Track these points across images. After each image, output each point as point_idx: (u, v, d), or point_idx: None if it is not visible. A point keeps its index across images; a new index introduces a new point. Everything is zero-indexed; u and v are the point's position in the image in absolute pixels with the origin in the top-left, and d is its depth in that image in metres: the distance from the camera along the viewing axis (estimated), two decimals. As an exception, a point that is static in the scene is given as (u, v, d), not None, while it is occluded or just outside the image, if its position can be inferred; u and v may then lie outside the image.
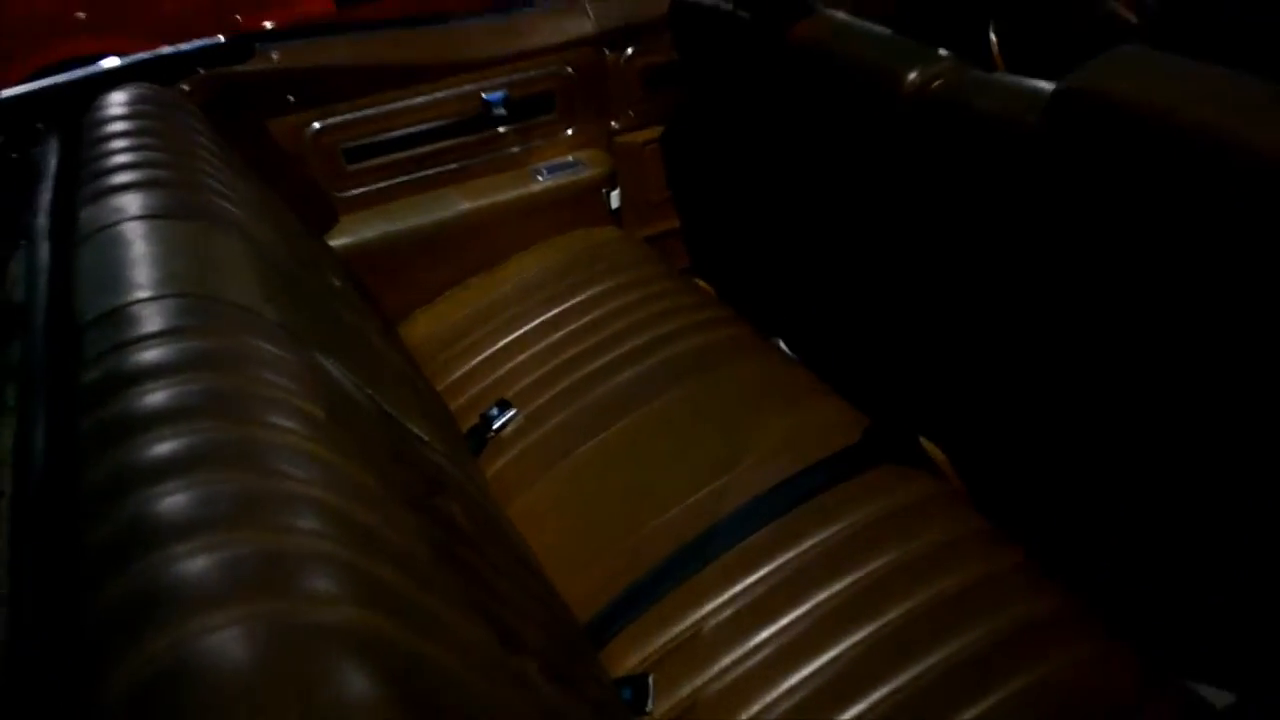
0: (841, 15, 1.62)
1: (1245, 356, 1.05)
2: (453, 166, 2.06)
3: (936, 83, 1.38)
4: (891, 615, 1.19)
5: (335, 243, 1.92)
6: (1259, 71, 1.04)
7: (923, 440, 1.48)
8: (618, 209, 2.22)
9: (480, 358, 1.78)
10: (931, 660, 1.13)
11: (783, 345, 1.98)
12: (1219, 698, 1.18)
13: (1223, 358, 1.08)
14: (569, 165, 2.14)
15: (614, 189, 2.20)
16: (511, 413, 1.62)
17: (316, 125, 1.90)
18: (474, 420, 1.63)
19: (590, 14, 2.11)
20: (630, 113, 2.22)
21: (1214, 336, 1.08)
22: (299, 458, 0.68)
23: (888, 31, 1.54)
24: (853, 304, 1.75)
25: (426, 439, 1.13)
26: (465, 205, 2.03)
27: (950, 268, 1.45)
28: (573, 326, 1.78)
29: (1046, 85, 1.24)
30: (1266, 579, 1.15)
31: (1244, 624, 1.21)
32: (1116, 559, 1.31)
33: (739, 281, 2.13)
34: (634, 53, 2.16)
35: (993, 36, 2.21)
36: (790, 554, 1.28)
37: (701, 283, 2.18)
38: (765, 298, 2.00)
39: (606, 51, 2.13)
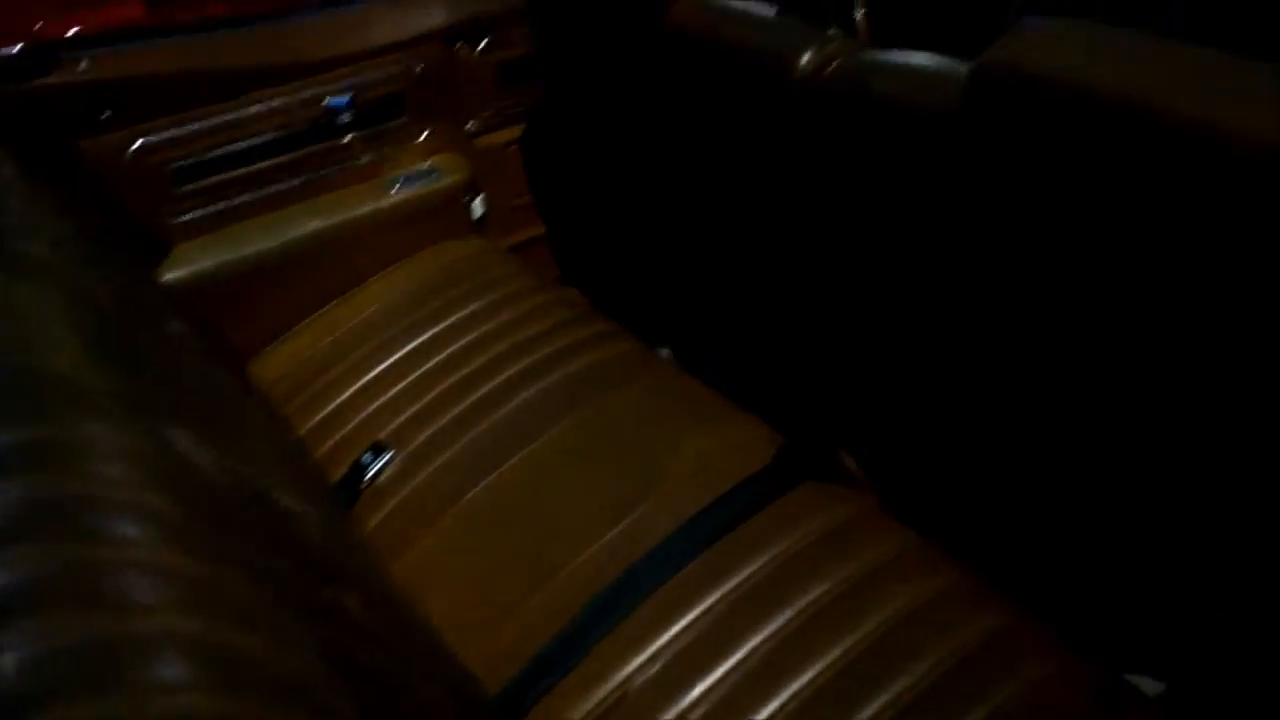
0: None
1: (1181, 351, 0.99)
2: (297, 182, 1.86)
3: (831, 65, 1.29)
4: (834, 654, 1.08)
5: (169, 277, 1.70)
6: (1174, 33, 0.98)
7: (842, 454, 1.39)
8: (481, 217, 2.06)
9: (345, 396, 1.60)
10: (882, 700, 1.03)
11: (669, 354, 1.87)
12: (1150, 687, 1.14)
13: (1156, 351, 1.02)
14: (426, 173, 1.97)
15: (476, 196, 2.04)
16: (387, 456, 1.45)
17: (138, 143, 1.67)
18: (344, 469, 1.46)
19: (439, 5, 1.94)
20: (487, 112, 2.06)
21: (1151, 328, 1.01)
22: (154, 580, 0.52)
23: (772, 11, 1.44)
24: (749, 309, 1.64)
25: (301, 510, 0.97)
26: (314, 224, 1.84)
27: (858, 264, 1.35)
28: (446, 353, 1.62)
29: (950, 63, 1.16)
30: (1195, 571, 1.10)
31: (1176, 616, 1.16)
32: (1049, 562, 1.24)
33: (617, 289, 2.01)
34: (489, 46, 2.00)
35: (859, 12, 2.15)
36: (718, 593, 1.15)
37: (575, 292, 2.05)
38: (648, 305, 1.88)
39: (458, 46, 1.97)
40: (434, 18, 1.93)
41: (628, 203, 1.87)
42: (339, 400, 1.60)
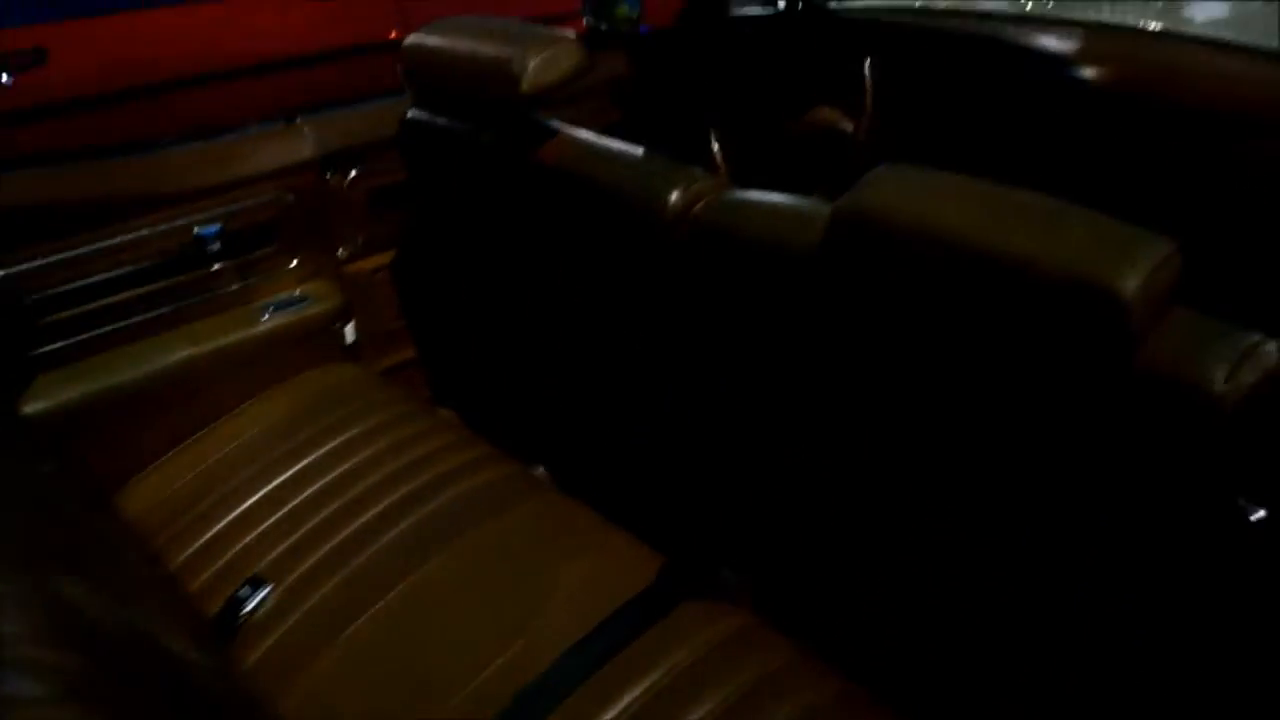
0: (589, 134, 1.57)
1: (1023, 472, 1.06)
2: (166, 310, 1.85)
3: (699, 204, 1.36)
4: None
5: (31, 409, 1.66)
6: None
7: (723, 570, 1.43)
8: (354, 343, 2.07)
9: (219, 528, 1.57)
10: None
11: (545, 473, 1.89)
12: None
13: (998, 472, 1.09)
14: (297, 300, 1.97)
15: (348, 322, 2.05)
16: (265, 590, 1.42)
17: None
18: (220, 603, 1.42)
19: (309, 135, 1.97)
20: (359, 239, 2.08)
21: (988, 450, 1.09)
22: None
23: (640, 151, 1.51)
24: (625, 432, 1.68)
25: (183, 651, 0.95)
26: (183, 352, 1.82)
27: (727, 393, 1.41)
28: (322, 482, 1.61)
29: (812, 204, 1.24)
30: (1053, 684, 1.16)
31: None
32: (931, 675, 1.29)
33: (490, 409, 2.03)
34: (358, 175, 2.03)
35: (715, 145, 2.26)
36: (607, 717, 1.17)
37: (450, 413, 2.06)
38: (522, 425, 1.90)
39: (329, 175, 2.00)
40: (305, 148, 1.95)
41: (498, 326, 1.90)
42: (212, 532, 1.57)
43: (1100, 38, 2.14)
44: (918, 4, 2.71)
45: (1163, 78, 1.90)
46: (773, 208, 1.30)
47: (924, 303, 1.05)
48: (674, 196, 1.37)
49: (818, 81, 2.13)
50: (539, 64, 1.48)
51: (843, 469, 1.28)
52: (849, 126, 2.06)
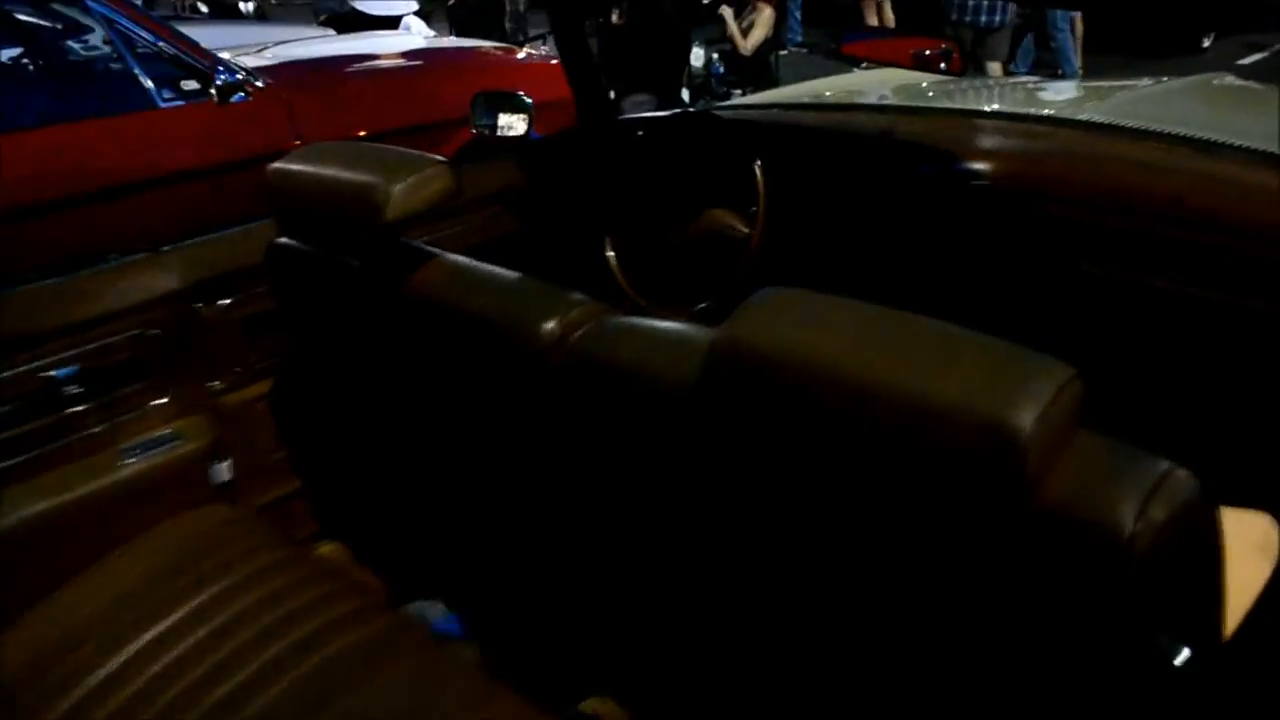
0: (462, 259, 1.49)
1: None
2: (18, 460, 1.70)
3: (577, 333, 1.28)
4: None
5: None
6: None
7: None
8: (228, 481, 1.94)
9: (76, 696, 1.42)
10: None
11: (442, 608, 1.77)
12: None
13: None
14: (166, 440, 1.84)
15: (222, 459, 1.91)
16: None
17: None
18: None
19: (175, 264, 1.86)
20: (236, 369, 1.96)
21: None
22: None
23: (517, 276, 1.44)
24: (510, 564, 1.58)
25: None
26: (38, 505, 1.68)
27: (608, 528, 1.32)
28: (190, 643, 1.47)
29: (693, 332, 1.17)
30: None
31: None
32: None
33: (380, 541, 1.91)
34: (232, 303, 1.92)
35: (610, 253, 2.20)
36: None
37: (338, 546, 1.94)
38: (413, 556, 1.79)
39: (199, 305, 1.88)
40: (171, 278, 1.84)
41: (382, 455, 1.80)
42: (68, 704, 1.42)
43: (997, 128, 2.13)
44: (816, 96, 2.71)
45: (1061, 168, 1.89)
46: (653, 335, 1.23)
47: (806, 438, 0.98)
48: (549, 325, 1.30)
49: (710, 185, 2.09)
50: (404, 190, 1.41)
51: (729, 605, 1.20)
52: (744, 230, 2.02)
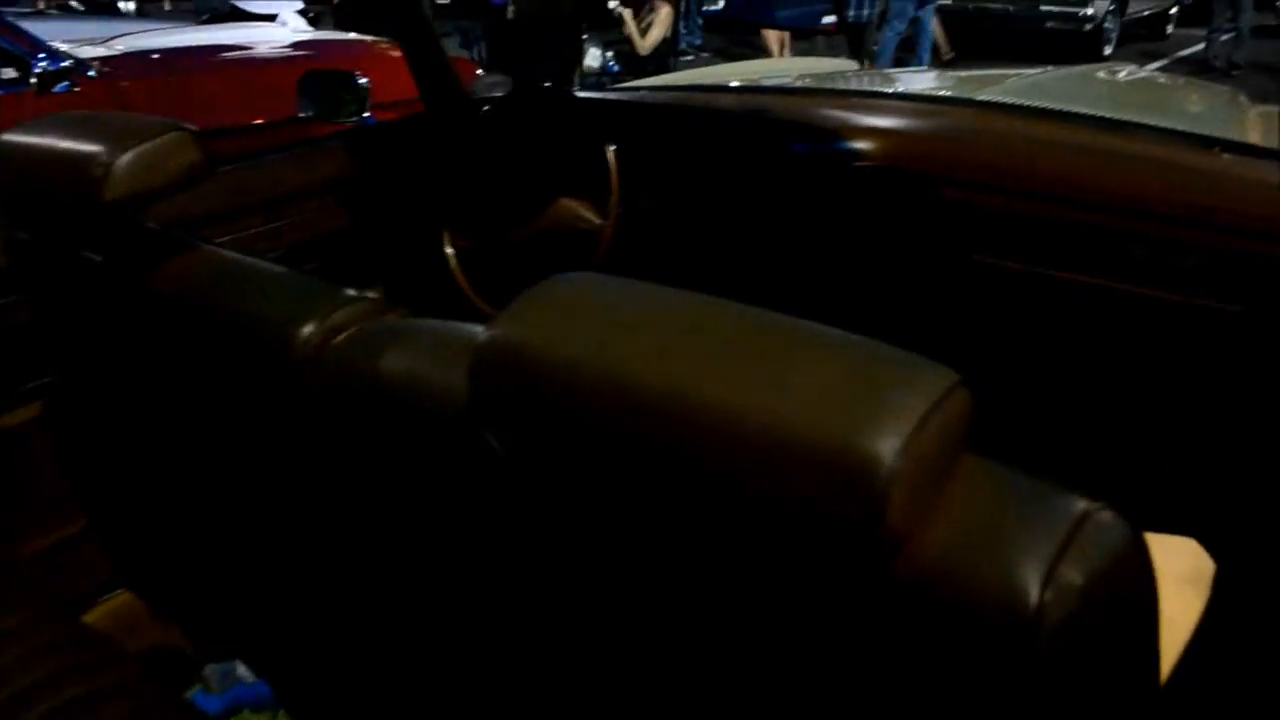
0: (218, 251, 1.22)
1: None
2: None
3: (341, 336, 1.02)
4: None
5: None
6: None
7: None
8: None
9: None
10: None
11: (242, 669, 1.50)
12: None
13: None
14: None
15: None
16: None
17: None
18: None
19: None
20: None
21: None
22: None
23: (279, 270, 1.17)
24: (314, 620, 1.31)
25: None
26: None
27: (390, 574, 1.07)
28: None
29: (471, 330, 0.92)
30: None
31: None
32: None
33: (179, 590, 1.63)
34: None
35: (449, 250, 1.95)
36: None
37: (128, 599, 1.65)
38: (216, 608, 1.52)
39: None
40: None
41: (172, 489, 1.52)
42: None
43: (885, 106, 1.93)
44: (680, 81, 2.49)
45: (955, 147, 1.68)
46: (431, 339, 0.98)
47: (589, 467, 0.74)
48: (307, 329, 1.03)
49: (561, 172, 1.85)
50: (130, 163, 1.13)
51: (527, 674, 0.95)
52: (596, 221, 1.77)
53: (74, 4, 9.85)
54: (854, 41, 7.35)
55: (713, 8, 9.81)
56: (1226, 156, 1.67)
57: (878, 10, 7.57)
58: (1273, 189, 1.53)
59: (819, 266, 1.64)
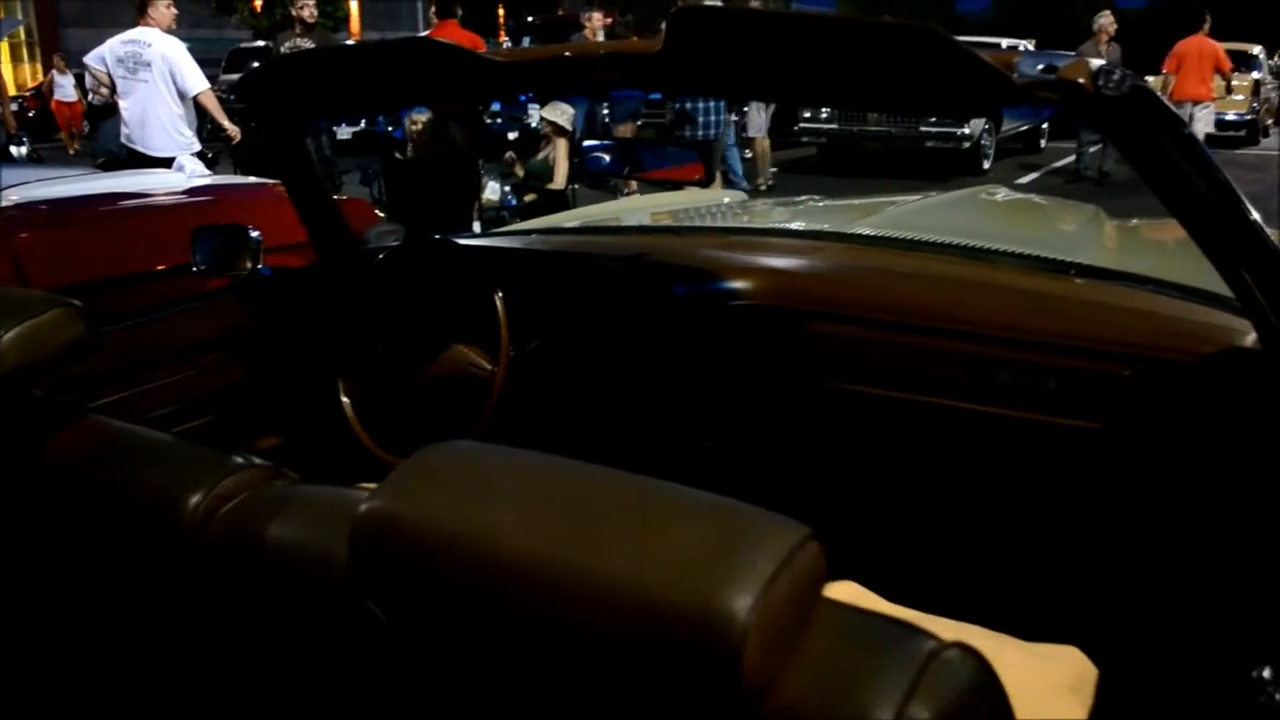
0: (104, 420, 1.23)
1: None
2: None
3: (230, 504, 1.03)
4: None
5: None
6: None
7: None
8: None
9: None
10: None
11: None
12: None
13: None
14: None
15: None
16: None
17: None
18: None
19: None
20: None
21: None
22: None
23: (166, 437, 1.18)
24: None
25: None
26: None
27: None
28: None
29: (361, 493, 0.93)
30: None
31: None
32: None
33: None
34: None
35: (345, 400, 1.96)
36: None
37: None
38: None
39: None
40: None
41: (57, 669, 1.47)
42: None
43: (762, 244, 2.01)
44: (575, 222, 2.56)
45: (825, 283, 1.76)
46: (321, 504, 0.99)
47: (466, 636, 0.77)
48: (195, 498, 1.03)
49: (451, 319, 1.88)
50: (14, 340, 1.14)
51: None
52: (487, 367, 1.81)
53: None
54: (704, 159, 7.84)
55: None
56: (1079, 281, 1.79)
57: (722, 130, 8.23)
58: (1121, 311, 1.63)
59: (697, 404, 1.69)
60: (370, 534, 0.79)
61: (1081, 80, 1.08)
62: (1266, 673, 0.91)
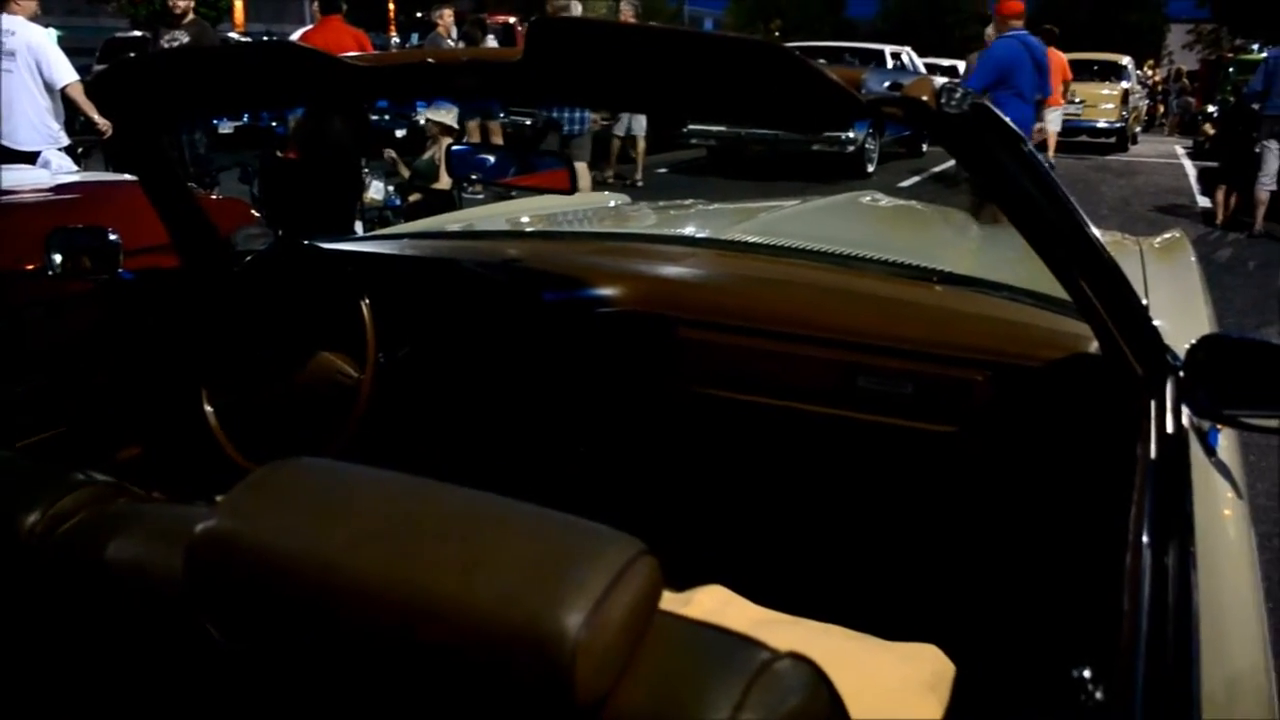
0: None
1: None
2: None
3: (68, 523, 0.99)
4: None
5: None
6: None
7: None
8: None
9: None
10: None
11: None
12: None
13: None
14: None
15: None
16: None
17: None
18: None
19: None
20: None
21: None
22: None
23: (6, 454, 1.13)
24: None
25: None
26: None
27: None
28: None
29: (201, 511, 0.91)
30: None
31: None
32: None
33: None
34: None
35: (208, 408, 1.90)
36: None
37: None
38: None
39: None
40: None
41: None
42: None
43: (635, 250, 2.02)
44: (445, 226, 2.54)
45: (691, 289, 1.78)
46: (161, 522, 0.96)
47: (307, 656, 0.75)
48: (31, 517, 0.99)
49: (317, 326, 1.85)
50: None
51: None
52: (354, 375, 1.78)
53: None
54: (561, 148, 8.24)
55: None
56: (939, 288, 1.84)
57: (586, 128, 8.62)
58: (976, 318, 1.69)
59: (568, 410, 1.69)
60: (205, 554, 0.77)
61: (925, 97, 1.12)
62: (1087, 672, 0.94)
